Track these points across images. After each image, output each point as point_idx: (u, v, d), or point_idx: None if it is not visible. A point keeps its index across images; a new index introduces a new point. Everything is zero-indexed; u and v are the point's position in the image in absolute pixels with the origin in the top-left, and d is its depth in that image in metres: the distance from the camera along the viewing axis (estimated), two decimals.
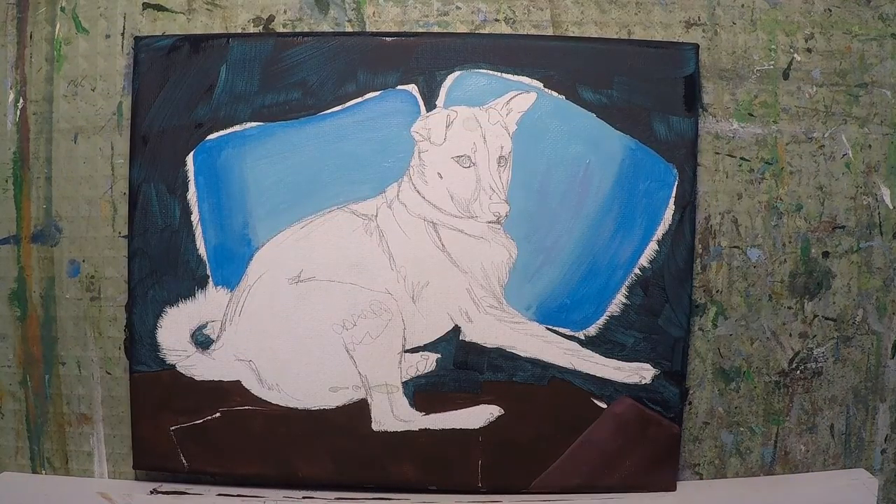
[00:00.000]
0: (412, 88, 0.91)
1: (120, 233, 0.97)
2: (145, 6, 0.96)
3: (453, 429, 0.92)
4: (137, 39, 0.93)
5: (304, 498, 0.93)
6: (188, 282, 0.92)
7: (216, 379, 0.93)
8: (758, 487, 0.96)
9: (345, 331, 0.92)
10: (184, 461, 0.94)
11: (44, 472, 1.00)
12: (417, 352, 0.93)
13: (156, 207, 0.93)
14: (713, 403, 0.98)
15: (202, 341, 0.93)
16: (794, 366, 0.98)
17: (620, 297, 0.92)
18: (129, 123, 0.93)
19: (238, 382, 0.93)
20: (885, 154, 0.97)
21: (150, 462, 0.95)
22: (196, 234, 0.92)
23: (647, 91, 0.91)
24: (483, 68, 0.91)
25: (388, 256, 0.92)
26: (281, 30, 0.95)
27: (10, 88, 0.97)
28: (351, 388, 0.93)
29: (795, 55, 0.95)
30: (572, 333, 0.92)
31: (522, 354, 0.92)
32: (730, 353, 0.97)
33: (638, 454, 0.93)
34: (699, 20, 0.95)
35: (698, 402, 0.97)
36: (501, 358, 0.92)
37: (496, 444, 0.92)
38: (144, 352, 0.93)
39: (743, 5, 0.95)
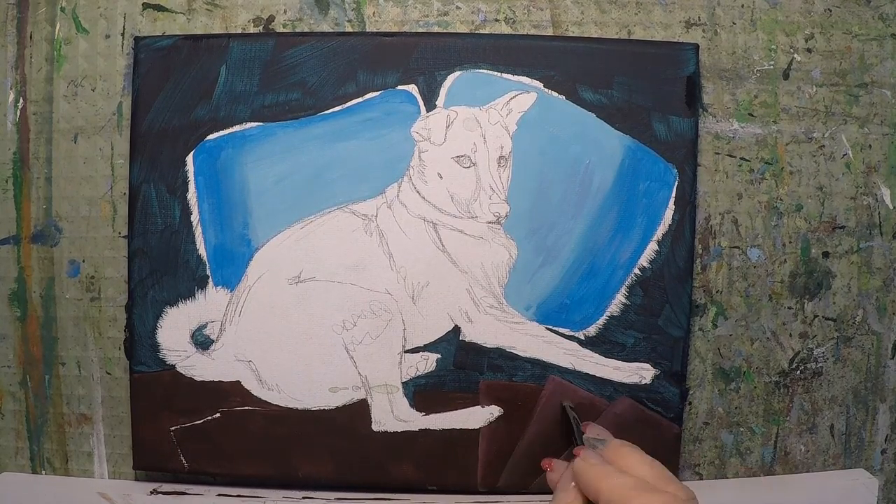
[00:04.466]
0: (412, 88, 0.91)
1: (120, 233, 0.97)
2: (145, 6, 0.96)
3: (453, 429, 0.92)
4: (137, 39, 0.93)
5: (304, 498, 0.93)
6: (188, 282, 0.92)
7: (216, 379, 0.93)
8: (758, 488, 0.96)
9: (345, 331, 0.92)
10: (184, 461, 0.94)
11: (44, 472, 1.00)
12: (417, 352, 0.93)
13: (156, 208, 0.93)
14: (713, 404, 0.98)
15: (202, 341, 0.93)
16: (794, 366, 0.98)
17: (620, 298, 0.92)
18: (129, 123, 0.93)
19: (238, 383, 0.93)
20: (885, 154, 0.97)
21: (150, 462, 0.95)
22: (196, 235, 0.92)
23: (647, 91, 0.91)
24: (483, 68, 0.91)
25: (388, 257, 0.92)
26: (281, 30, 0.95)
27: (10, 88, 0.97)
28: (351, 389, 0.93)
29: (795, 55, 0.95)
30: (572, 333, 0.92)
31: (522, 354, 0.92)
32: (730, 353, 0.97)
33: None
34: (699, 20, 0.95)
35: (698, 402, 0.97)
36: (501, 358, 0.92)
37: (496, 444, 0.92)
38: (144, 352, 0.93)
39: (743, 5, 0.95)
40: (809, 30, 0.95)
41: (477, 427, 0.92)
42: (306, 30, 0.95)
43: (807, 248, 0.97)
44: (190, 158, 0.92)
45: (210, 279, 0.93)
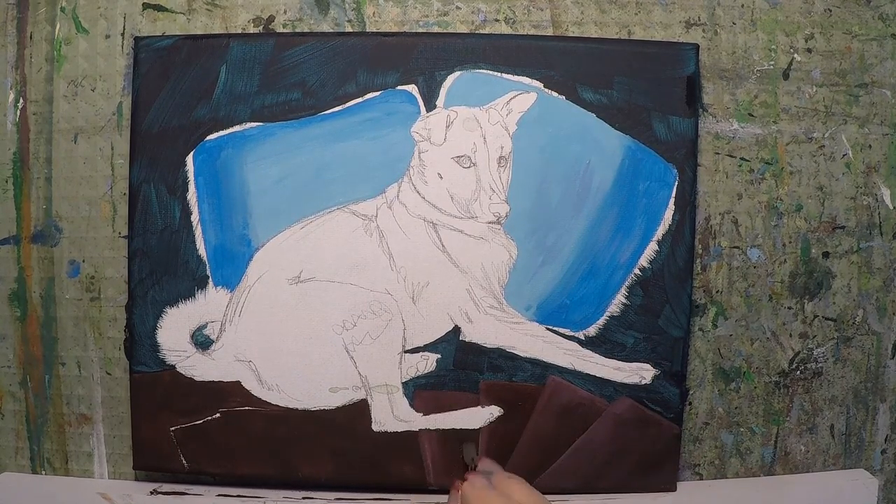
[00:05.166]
0: (412, 88, 0.91)
1: (120, 233, 0.97)
2: (145, 6, 0.96)
3: (453, 429, 0.92)
4: (137, 40, 0.93)
5: (303, 498, 0.93)
6: (188, 282, 0.92)
7: (216, 379, 0.93)
8: (758, 488, 0.96)
9: (345, 331, 0.92)
10: (184, 461, 0.94)
11: (44, 472, 1.00)
12: (417, 352, 0.93)
13: (156, 208, 0.93)
14: (713, 404, 0.98)
15: (202, 342, 0.93)
16: (794, 366, 0.98)
17: (620, 298, 0.92)
18: (129, 123, 0.93)
19: (238, 383, 0.93)
20: (885, 154, 0.97)
21: (150, 462, 0.95)
22: (196, 235, 0.92)
23: (647, 91, 0.91)
24: (483, 68, 0.91)
25: (388, 257, 0.92)
26: (281, 30, 0.95)
27: (10, 88, 0.97)
28: (351, 389, 0.93)
29: (795, 55, 0.95)
30: (572, 333, 0.92)
31: (522, 355, 0.92)
32: (730, 353, 0.97)
33: (638, 454, 0.93)
34: (699, 20, 0.95)
35: (698, 402, 0.97)
36: (501, 358, 0.92)
37: (496, 444, 0.92)
38: (144, 352, 0.93)
39: (743, 5, 0.95)
40: (809, 30, 0.95)
41: (477, 427, 0.92)
42: (306, 30, 0.95)
43: (807, 248, 0.97)
44: (190, 158, 0.92)
45: (210, 279, 0.93)
